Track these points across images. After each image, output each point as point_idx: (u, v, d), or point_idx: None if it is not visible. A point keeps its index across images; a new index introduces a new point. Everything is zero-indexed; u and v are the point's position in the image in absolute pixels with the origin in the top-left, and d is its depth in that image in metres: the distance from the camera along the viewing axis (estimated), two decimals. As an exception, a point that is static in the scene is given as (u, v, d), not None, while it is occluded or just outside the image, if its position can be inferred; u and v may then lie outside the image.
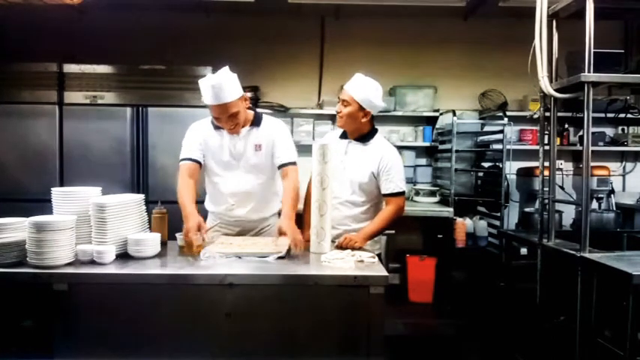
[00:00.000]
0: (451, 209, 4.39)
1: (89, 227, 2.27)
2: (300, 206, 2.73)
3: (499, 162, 4.48)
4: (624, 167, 5.12)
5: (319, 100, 5.05)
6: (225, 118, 2.51)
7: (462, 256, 4.47)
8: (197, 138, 2.64)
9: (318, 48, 5.06)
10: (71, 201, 2.32)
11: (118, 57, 4.39)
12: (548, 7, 2.83)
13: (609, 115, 4.06)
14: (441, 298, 4.40)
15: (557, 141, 3.19)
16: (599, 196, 3.64)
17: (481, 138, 4.84)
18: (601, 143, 4.81)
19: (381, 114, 4.64)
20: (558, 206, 3.28)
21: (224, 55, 3.63)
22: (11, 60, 4.23)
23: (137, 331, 2.04)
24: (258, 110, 2.80)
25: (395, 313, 3.96)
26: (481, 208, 4.84)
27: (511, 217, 4.56)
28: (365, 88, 2.67)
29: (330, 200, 2.44)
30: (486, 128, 4.78)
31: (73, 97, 4.19)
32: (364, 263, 2.27)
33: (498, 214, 4.48)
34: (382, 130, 4.74)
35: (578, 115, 3.37)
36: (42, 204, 2.61)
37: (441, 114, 4.86)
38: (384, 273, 2.12)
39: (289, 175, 2.59)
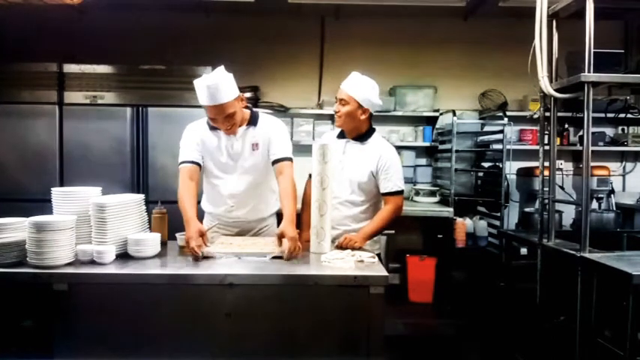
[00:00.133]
0: (451, 209, 4.39)
1: (89, 227, 2.27)
2: (298, 206, 2.73)
3: (499, 162, 4.48)
4: (624, 167, 5.12)
5: (319, 100, 5.06)
6: (222, 119, 2.46)
7: (462, 256, 4.47)
8: (194, 139, 2.61)
9: (318, 48, 5.06)
10: (71, 201, 2.32)
11: (118, 57, 4.39)
12: (548, 7, 2.83)
13: (609, 115, 4.05)
14: (441, 298, 4.40)
15: (557, 141, 3.19)
16: (599, 196, 3.64)
17: (481, 138, 4.84)
18: (601, 143, 4.81)
19: (381, 114, 4.67)
20: (558, 206, 3.27)
21: (224, 55, 3.62)
22: (11, 60, 4.23)
23: (137, 331, 2.04)
24: (256, 109, 2.78)
25: (395, 313, 3.96)
26: (481, 208, 4.84)
27: (511, 217, 4.56)
28: (362, 86, 2.68)
29: (330, 200, 2.44)
30: (486, 128, 4.78)
31: (73, 97, 4.19)
32: (364, 263, 2.27)
33: (498, 214, 4.48)
34: (382, 130, 4.81)
35: (578, 115, 3.37)
36: (42, 204, 2.62)
37: (441, 114, 4.86)
38: (384, 273, 2.12)
39: (285, 172, 2.54)
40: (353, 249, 2.46)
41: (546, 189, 3.03)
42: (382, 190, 2.73)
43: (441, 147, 4.85)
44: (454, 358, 3.75)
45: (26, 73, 4.15)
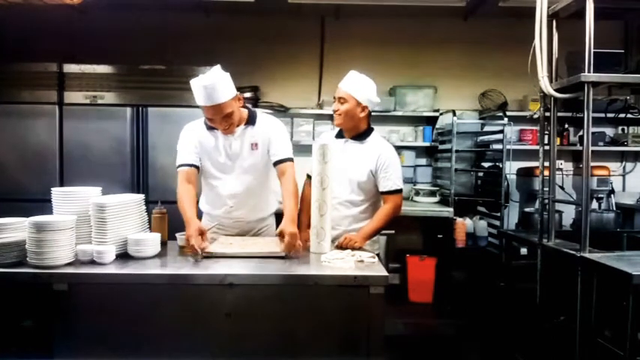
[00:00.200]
0: (451, 209, 4.39)
1: (89, 227, 2.27)
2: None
3: (499, 162, 4.48)
4: (624, 167, 5.12)
5: (319, 100, 5.05)
6: (219, 119, 2.44)
7: (462, 256, 4.47)
8: (192, 141, 2.59)
9: (318, 48, 5.06)
10: (71, 201, 2.32)
11: (118, 57, 4.39)
12: (548, 7, 2.83)
13: (609, 115, 4.05)
14: (441, 298, 4.40)
15: (557, 141, 3.19)
16: (599, 196, 3.64)
17: (481, 138, 4.84)
18: (601, 143, 4.81)
19: (381, 114, 4.68)
20: (558, 206, 3.28)
21: (224, 55, 3.62)
22: (11, 60, 4.23)
23: (137, 331, 2.04)
24: (254, 109, 2.76)
25: (395, 313, 3.96)
26: (481, 208, 4.84)
27: (511, 217, 4.56)
28: (360, 84, 2.69)
29: (330, 200, 2.44)
30: (486, 128, 4.78)
31: (73, 97, 4.20)
32: (364, 263, 2.26)
33: (498, 214, 4.48)
34: (382, 130, 4.81)
35: (578, 115, 3.37)
36: (42, 204, 2.62)
37: (441, 114, 4.86)
38: (384, 273, 2.12)
39: (287, 173, 2.54)
40: (353, 249, 2.46)
41: (546, 189, 3.03)
42: (381, 189, 2.73)
43: (441, 147, 4.85)
44: (454, 358, 3.75)
45: (26, 73, 4.15)
